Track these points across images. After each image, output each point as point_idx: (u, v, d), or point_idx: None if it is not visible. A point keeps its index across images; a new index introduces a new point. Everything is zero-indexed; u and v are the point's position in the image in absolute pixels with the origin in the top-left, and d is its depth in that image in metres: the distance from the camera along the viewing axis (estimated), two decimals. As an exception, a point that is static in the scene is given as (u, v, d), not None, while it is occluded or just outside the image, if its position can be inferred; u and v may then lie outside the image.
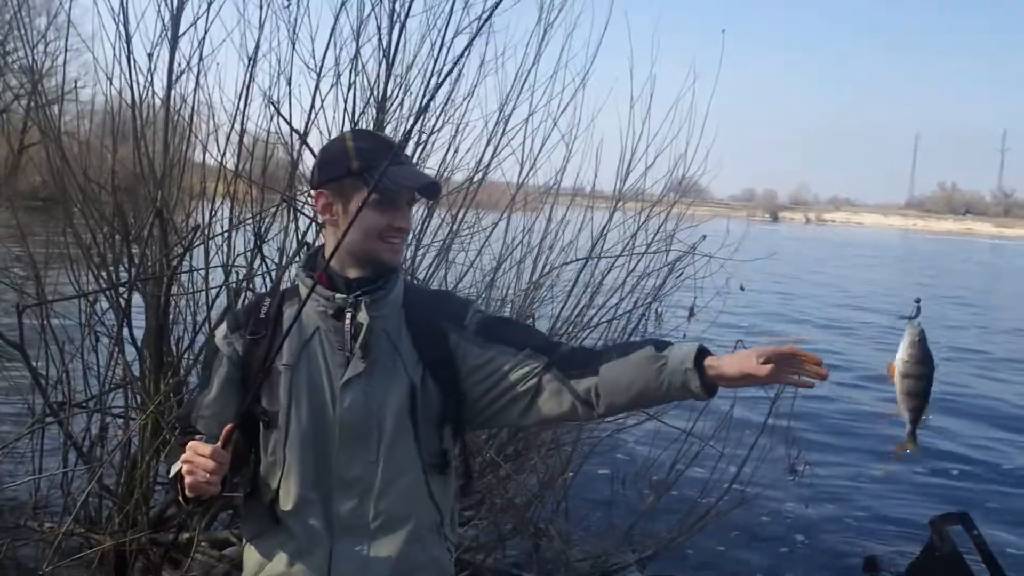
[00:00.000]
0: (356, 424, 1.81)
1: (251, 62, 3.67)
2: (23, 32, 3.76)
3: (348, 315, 1.82)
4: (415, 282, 3.70)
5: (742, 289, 5.20)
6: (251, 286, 3.79)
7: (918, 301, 1.64)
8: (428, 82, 3.79)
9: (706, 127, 4.46)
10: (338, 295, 1.83)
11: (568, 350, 1.92)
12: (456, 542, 2.03)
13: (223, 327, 1.94)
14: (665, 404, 1.86)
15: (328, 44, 3.77)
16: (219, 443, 1.71)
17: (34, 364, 3.76)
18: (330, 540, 1.82)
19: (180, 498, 1.78)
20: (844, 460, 7.39)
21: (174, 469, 1.79)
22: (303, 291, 1.86)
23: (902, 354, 1.65)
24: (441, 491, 1.91)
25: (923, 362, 1.62)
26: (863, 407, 9.30)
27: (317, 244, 2.14)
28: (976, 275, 34.42)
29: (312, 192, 1.95)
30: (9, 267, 4.24)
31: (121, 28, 3.36)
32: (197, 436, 1.86)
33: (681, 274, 4.71)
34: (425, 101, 3.70)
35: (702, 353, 1.71)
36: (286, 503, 1.83)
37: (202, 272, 3.83)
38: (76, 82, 3.97)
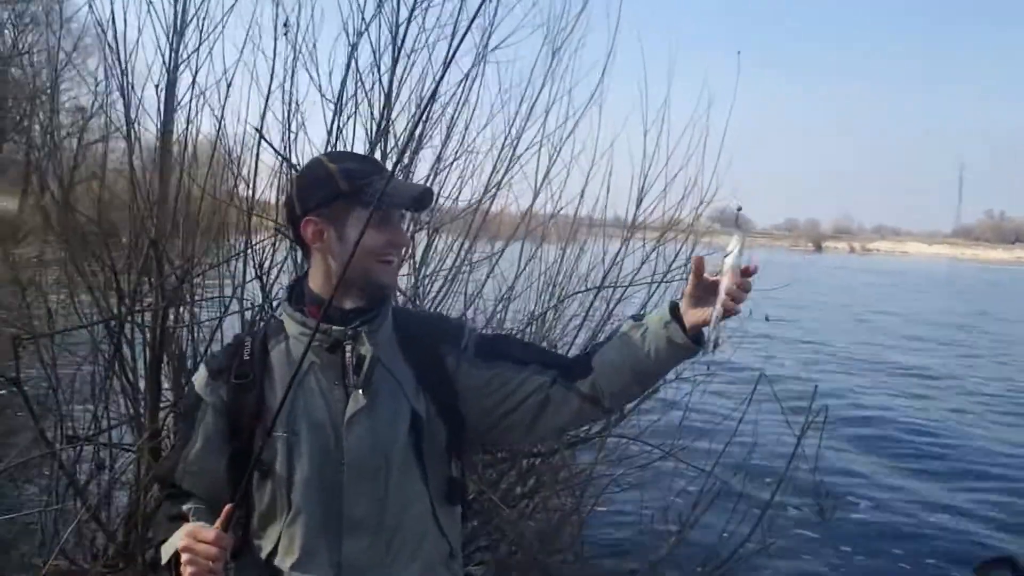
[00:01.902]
0: (364, 462, 1.70)
1: (268, 93, 3.62)
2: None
3: (348, 348, 1.71)
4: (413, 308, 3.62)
5: (767, 319, 5.04)
6: (261, 316, 3.71)
7: (739, 209, 1.70)
8: (429, 111, 3.73)
9: (723, 150, 4.30)
10: (335, 327, 1.71)
11: (571, 359, 1.86)
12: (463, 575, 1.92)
13: (203, 374, 1.82)
14: (662, 373, 1.78)
15: (344, 79, 3.72)
16: (219, 525, 1.61)
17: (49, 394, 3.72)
18: None
19: None
20: (875, 497, 7.01)
21: (167, 552, 1.68)
22: (290, 327, 1.77)
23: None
24: (449, 522, 1.82)
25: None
26: (892, 441, 8.98)
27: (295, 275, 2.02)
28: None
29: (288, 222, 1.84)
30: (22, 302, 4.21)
31: (113, 59, 3.33)
32: (188, 506, 1.77)
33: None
34: (416, 131, 3.67)
35: (676, 307, 1.69)
36: (290, 553, 1.71)
37: (212, 303, 3.79)
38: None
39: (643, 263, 4.24)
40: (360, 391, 1.70)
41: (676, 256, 4.38)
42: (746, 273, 1.59)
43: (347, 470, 1.69)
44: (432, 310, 3.96)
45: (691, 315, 1.64)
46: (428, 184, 3.89)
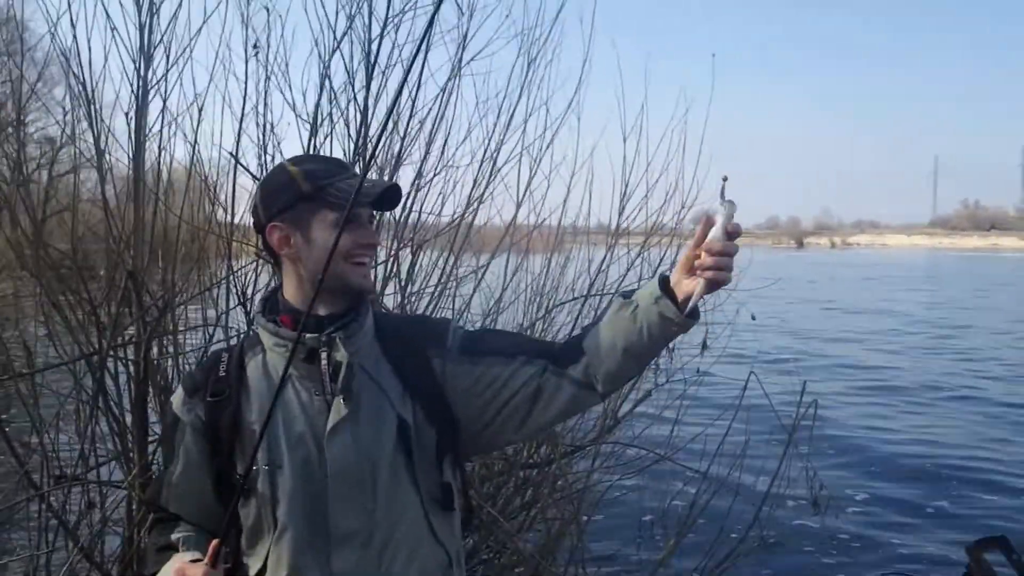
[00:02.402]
0: (348, 472, 1.65)
1: (242, 116, 3.57)
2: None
3: (323, 355, 1.67)
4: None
5: (753, 318, 5.06)
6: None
7: (725, 179, 1.56)
8: (407, 127, 3.75)
9: (703, 153, 4.32)
10: (308, 335, 1.66)
11: (561, 345, 1.80)
12: None
13: (180, 394, 1.78)
14: (657, 351, 1.70)
15: (319, 99, 3.69)
16: (208, 560, 1.58)
17: (26, 437, 3.65)
18: None
19: None
20: (868, 488, 7.11)
21: None
22: (265, 339, 1.73)
23: None
24: (445, 530, 1.76)
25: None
26: (885, 430, 8.99)
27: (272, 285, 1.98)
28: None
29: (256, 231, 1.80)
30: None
31: (79, 87, 3.27)
32: (176, 535, 1.75)
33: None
34: (394, 148, 3.65)
35: (666, 281, 1.61)
36: (278, 570, 1.66)
37: (193, 332, 3.73)
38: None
39: (628, 269, 4.23)
40: (341, 400, 1.65)
41: (661, 261, 4.39)
42: (731, 236, 1.51)
43: (331, 482, 1.65)
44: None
45: (683, 286, 1.57)
46: (410, 201, 3.88)
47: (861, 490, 6.98)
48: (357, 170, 3.64)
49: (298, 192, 1.67)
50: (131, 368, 3.53)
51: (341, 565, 1.66)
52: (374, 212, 1.80)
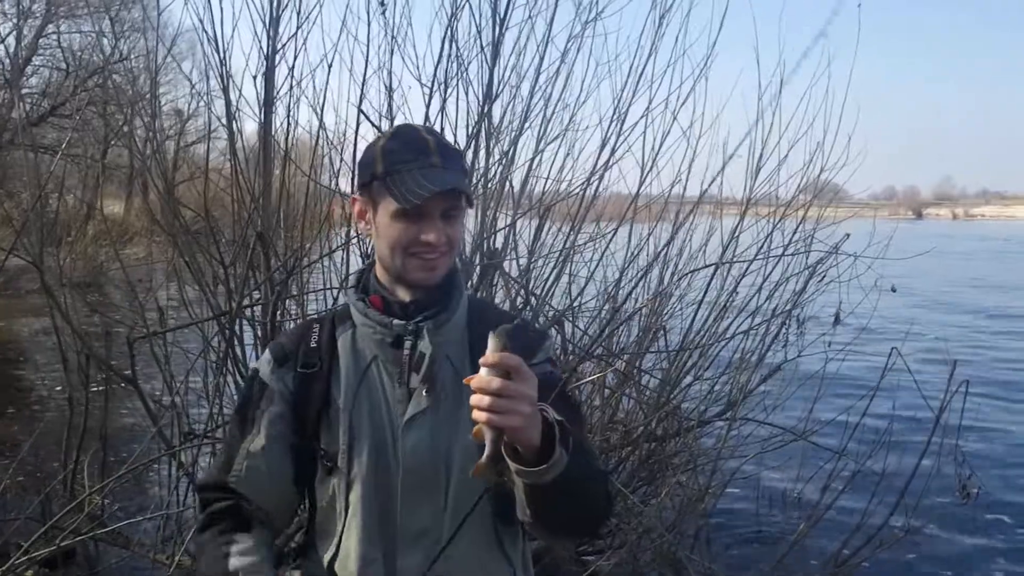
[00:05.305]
0: (421, 468, 1.54)
1: (363, 82, 3.51)
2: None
3: (408, 344, 1.56)
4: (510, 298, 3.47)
5: (893, 290, 4.70)
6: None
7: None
8: (535, 83, 3.61)
9: (845, 111, 4.00)
10: (396, 321, 1.56)
11: None
12: None
13: (268, 360, 1.66)
14: (530, 502, 1.41)
15: (438, 60, 3.60)
16: None
17: (158, 394, 3.75)
18: None
19: None
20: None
21: None
22: (355, 315, 1.62)
23: None
24: (511, 542, 1.64)
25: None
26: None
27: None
28: None
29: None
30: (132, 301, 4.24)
31: (212, 50, 3.28)
32: (234, 560, 1.55)
33: (823, 277, 4.26)
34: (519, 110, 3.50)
35: None
36: (346, 563, 1.57)
37: (316, 295, 3.74)
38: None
39: (767, 236, 3.98)
40: (424, 391, 1.55)
41: (796, 230, 4.15)
42: (499, 371, 1.24)
43: (403, 477, 1.54)
44: (545, 297, 3.82)
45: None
46: (534, 164, 3.76)
47: (1017, 481, 6.26)
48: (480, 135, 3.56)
49: (374, 171, 1.56)
50: (258, 329, 3.57)
51: (406, 566, 1.56)
52: (463, 202, 1.58)
